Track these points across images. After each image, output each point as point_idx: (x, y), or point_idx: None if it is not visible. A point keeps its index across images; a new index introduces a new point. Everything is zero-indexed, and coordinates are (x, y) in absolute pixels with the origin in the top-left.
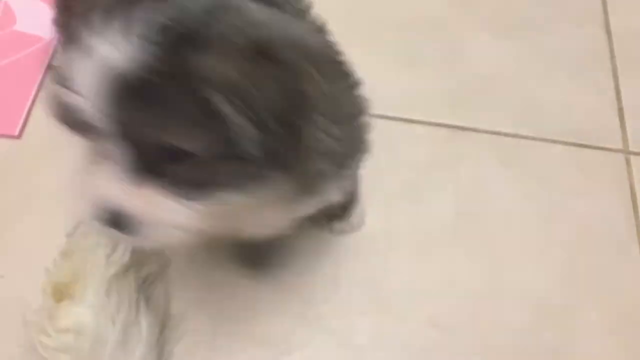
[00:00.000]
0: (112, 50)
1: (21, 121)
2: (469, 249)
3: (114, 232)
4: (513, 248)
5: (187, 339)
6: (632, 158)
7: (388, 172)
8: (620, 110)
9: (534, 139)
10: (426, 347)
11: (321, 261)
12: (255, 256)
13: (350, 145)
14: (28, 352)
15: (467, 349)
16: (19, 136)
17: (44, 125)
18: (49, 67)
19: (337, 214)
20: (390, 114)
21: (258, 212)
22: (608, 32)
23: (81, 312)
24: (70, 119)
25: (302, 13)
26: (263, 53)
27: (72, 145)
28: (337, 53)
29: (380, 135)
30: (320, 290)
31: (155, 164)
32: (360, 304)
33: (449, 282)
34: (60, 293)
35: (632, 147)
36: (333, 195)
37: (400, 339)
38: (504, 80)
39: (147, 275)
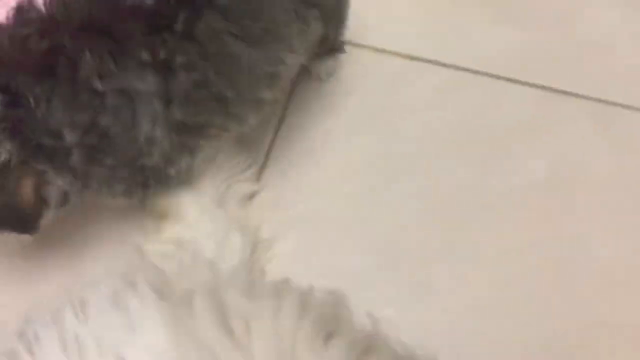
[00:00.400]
0: None
1: None
2: (554, 215)
3: None
4: (599, 220)
5: (276, 261)
6: None
7: (481, 127)
8: None
9: (637, 110)
10: (502, 305)
11: (409, 217)
12: None
13: None
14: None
15: (542, 311)
16: None
17: None
18: None
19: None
20: (490, 71)
21: None
22: None
23: (181, 229)
24: None
25: None
26: None
27: None
28: None
29: (477, 92)
30: (398, 239)
31: None
32: (440, 255)
33: (529, 244)
34: (164, 212)
35: None
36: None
37: (476, 294)
38: (614, 48)
39: (240, 198)
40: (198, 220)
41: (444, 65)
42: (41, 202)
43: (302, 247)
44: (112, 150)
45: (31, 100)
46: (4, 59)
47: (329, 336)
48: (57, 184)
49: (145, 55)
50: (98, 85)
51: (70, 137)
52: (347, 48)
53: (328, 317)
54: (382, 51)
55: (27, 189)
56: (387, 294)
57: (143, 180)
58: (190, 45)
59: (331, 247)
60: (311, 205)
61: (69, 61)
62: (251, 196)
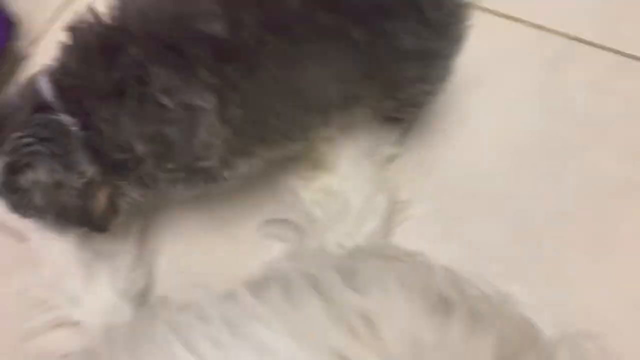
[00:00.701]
0: None
1: None
2: None
3: None
4: None
5: (408, 224)
6: None
7: None
8: None
9: None
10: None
11: (553, 200)
12: None
13: None
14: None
15: None
16: None
17: None
18: None
19: None
20: None
21: None
22: None
23: (331, 179)
24: None
25: None
26: None
27: None
28: None
29: None
30: (537, 219)
31: None
32: (578, 243)
33: None
34: (319, 161)
35: None
36: None
37: (612, 290)
38: None
39: (382, 159)
40: (349, 174)
41: (609, 49)
42: (113, 210)
43: (435, 214)
44: (172, 155)
45: (99, 120)
46: (72, 87)
47: (445, 311)
48: (131, 195)
49: (207, 77)
50: (165, 100)
51: (140, 148)
52: (507, 22)
53: (439, 290)
54: (544, 29)
55: (102, 200)
56: (515, 270)
57: (201, 180)
58: (237, 89)
59: (464, 217)
60: (451, 174)
61: (138, 78)
62: (393, 158)
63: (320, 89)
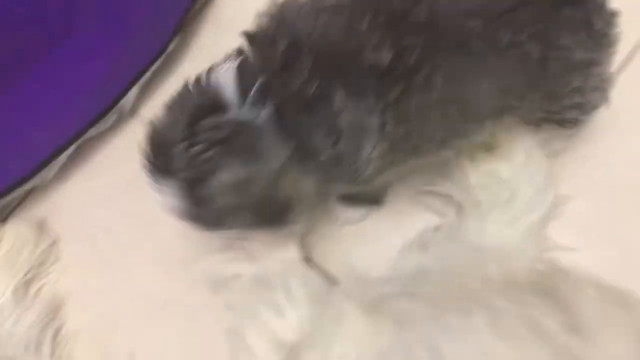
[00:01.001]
0: None
1: None
2: None
3: None
4: None
5: (564, 219)
6: None
7: None
8: None
9: None
10: None
11: None
12: None
13: None
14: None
15: None
16: None
17: None
18: None
19: None
20: None
21: None
22: None
23: (503, 165)
24: None
25: None
26: None
27: None
28: None
29: None
30: None
31: None
32: None
33: None
34: (494, 146)
35: None
36: None
37: None
38: None
39: (550, 152)
40: (523, 163)
41: None
42: (294, 197)
43: (593, 213)
44: (339, 170)
45: (290, 124)
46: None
47: None
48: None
49: (373, 100)
50: (341, 121)
51: (320, 154)
52: None
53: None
54: None
55: (285, 190)
56: None
57: (354, 182)
58: (399, 109)
59: (622, 221)
60: (615, 176)
61: (320, 96)
62: (560, 152)
63: (484, 101)
